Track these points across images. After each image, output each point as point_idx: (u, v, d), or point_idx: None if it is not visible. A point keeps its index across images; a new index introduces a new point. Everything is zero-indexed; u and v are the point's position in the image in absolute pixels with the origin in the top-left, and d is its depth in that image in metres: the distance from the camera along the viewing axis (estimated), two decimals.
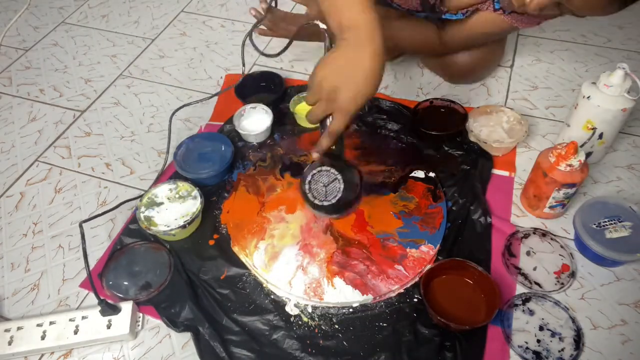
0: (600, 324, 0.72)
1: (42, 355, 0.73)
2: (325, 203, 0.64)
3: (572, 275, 0.77)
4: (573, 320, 0.72)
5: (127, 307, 0.73)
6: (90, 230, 0.87)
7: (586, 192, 0.88)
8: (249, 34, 0.92)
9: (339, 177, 0.64)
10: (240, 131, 0.98)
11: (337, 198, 0.64)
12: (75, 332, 0.71)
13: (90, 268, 0.81)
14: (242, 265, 0.80)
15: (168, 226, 0.81)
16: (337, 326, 0.73)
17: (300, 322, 0.74)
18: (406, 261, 0.78)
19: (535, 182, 0.81)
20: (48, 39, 1.33)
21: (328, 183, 0.64)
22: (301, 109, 1.03)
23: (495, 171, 0.91)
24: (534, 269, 0.78)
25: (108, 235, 0.86)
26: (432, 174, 0.90)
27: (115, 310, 0.73)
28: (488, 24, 0.94)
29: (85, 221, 0.80)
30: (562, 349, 0.69)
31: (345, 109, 0.62)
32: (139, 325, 0.74)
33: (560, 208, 0.82)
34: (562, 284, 0.76)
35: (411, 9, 0.94)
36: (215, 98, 1.08)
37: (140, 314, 0.75)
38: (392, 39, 0.98)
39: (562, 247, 0.80)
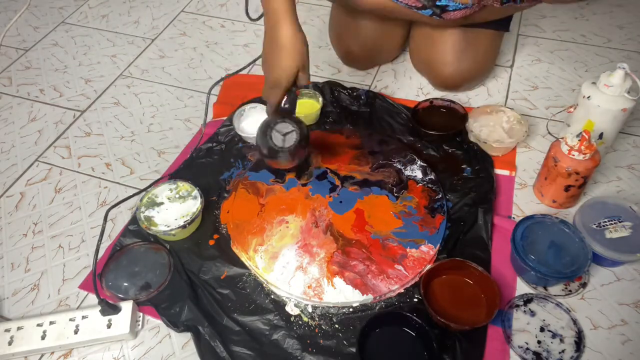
0: (600, 324, 0.72)
1: (42, 355, 0.73)
2: (285, 147, 0.75)
3: (583, 285, 0.76)
4: (574, 322, 0.72)
5: (127, 306, 0.73)
6: (90, 230, 0.87)
7: (586, 192, 0.88)
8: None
9: (296, 128, 0.75)
10: (240, 133, 0.98)
11: (293, 144, 0.75)
12: (76, 332, 0.71)
13: (91, 268, 0.81)
14: (242, 265, 0.80)
15: (168, 226, 0.81)
16: (337, 326, 0.73)
17: (300, 322, 0.74)
18: (406, 261, 0.78)
19: (548, 169, 0.82)
20: (48, 39, 1.33)
21: (286, 133, 0.75)
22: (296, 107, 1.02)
23: (496, 170, 0.92)
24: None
25: (108, 236, 0.86)
26: (432, 175, 0.90)
27: (115, 310, 0.73)
28: (494, 13, 0.95)
29: (111, 207, 0.84)
30: (563, 351, 0.69)
31: (274, 83, 0.74)
32: (139, 325, 0.74)
33: (573, 199, 0.84)
34: (570, 291, 0.76)
35: (411, 5, 0.94)
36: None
37: (140, 314, 0.75)
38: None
39: None
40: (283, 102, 0.77)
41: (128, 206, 0.90)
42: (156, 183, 0.90)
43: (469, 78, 1.05)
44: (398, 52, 1.17)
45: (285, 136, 0.75)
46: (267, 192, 0.89)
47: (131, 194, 0.88)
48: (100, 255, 0.83)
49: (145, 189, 0.87)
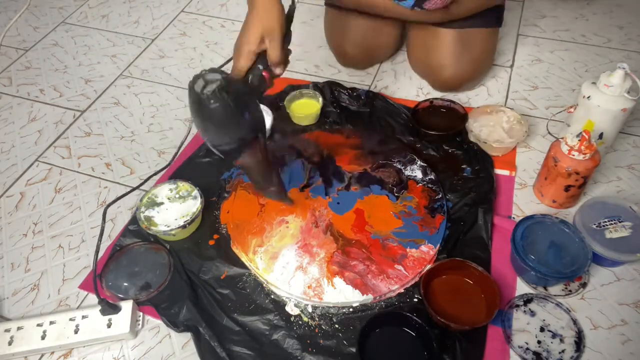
0: (600, 324, 0.72)
1: (42, 355, 0.73)
2: (204, 93, 0.59)
3: (583, 285, 0.76)
4: (575, 322, 0.72)
5: (127, 306, 0.73)
6: (90, 230, 0.87)
7: (586, 192, 0.88)
8: None
9: (222, 77, 0.61)
10: None
11: (214, 90, 0.60)
12: (76, 332, 0.71)
13: (91, 268, 0.81)
14: (242, 265, 0.80)
15: (168, 226, 0.81)
16: (337, 326, 0.73)
17: (300, 322, 0.74)
18: (406, 261, 0.78)
19: (548, 169, 0.82)
20: (48, 39, 1.33)
21: (210, 81, 0.60)
22: (296, 107, 1.03)
23: (496, 170, 0.91)
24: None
25: (108, 236, 0.86)
26: (432, 175, 0.90)
27: (115, 309, 0.73)
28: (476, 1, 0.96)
29: (109, 205, 0.80)
30: (563, 351, 0.69)
31: (236, 47, 0.69)
32: (139, 324, 0.74)
33: (573, 199, 0.84)
34: (570, 291, 0.76)
35: None
36: None
37: (140, 313, 0.76)
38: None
39: None
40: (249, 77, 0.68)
41: (128, 206, 0.90)
42: (158, 178, 0.91)
43: (468, 79, 1.05)
44: (393, 51, 1.17)
45: (208, 84, 0.60)
46: None
47: (131, 191, 0.88)
48: (100, 255, 0.83)
49: (143, 183, 0.86)
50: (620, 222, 0.76)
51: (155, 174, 0.89)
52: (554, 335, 0.71)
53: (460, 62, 1.01)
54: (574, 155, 0.77)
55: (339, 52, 1.14)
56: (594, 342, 0.70)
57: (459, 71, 1.02)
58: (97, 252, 0.76)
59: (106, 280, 0.78)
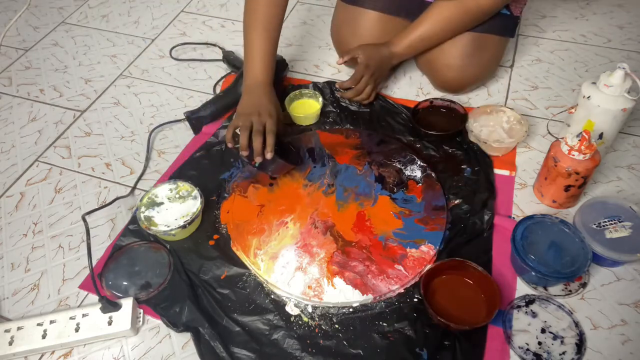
0: (600, 324, 0.72)
1: (43, 354, 0.73)
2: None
3: (583, 285, 0.76)
4: (576, 324, 0.72)
5: (127, 302, 0.73)
6: (90, 230, 0.87)
7: (586, 192, 0.88)
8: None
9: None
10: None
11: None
12: (77, 330, 0.71)
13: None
14: (242, 265, 0.80)
15: (168, 226, 0.81)
16: (337, 326, 0.73)
17: (300, 322, 0.74)
18: (406, 261, 0.78)
19: (548, 169, 0.82)
20: (48, 39, 1.33)
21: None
22: (296, 107, 1.03)
23: (496, 170, 0.91)
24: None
25: (108, 236, 0.86)
26: (432, 175, 0.90)
27: (115, 307, 0.73)
28: None
29: (87, 214, 0.81)
30: (564, 353, 0.69)
31: (267, 125, 0.84)
32: (139, 321, 0.74)
33: (573, 199, 0.84)
34: (570, 291, 0.76)
35: None
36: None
37: (141, 310, 0.75)
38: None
39: None
40: None
41: (128, 206, 0.90)
42: (156, 183, 0.91)
43: (472, 83, 1.05)
44: None
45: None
46: (259, 189, 0.89)
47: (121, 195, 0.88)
48: (100, 254, 0.83)
49: (116, 199, 0.87)
50: (620, 222, 0.76)
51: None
52: (555, 337, 0.71)
53: (468, 64, 1.01)
54: (574, 155, 0.77)
55: (342, 52, 1.13)
56: (594, 342, 0.70)
57: (465, 74, 1.02)
58: (89, 253, 0.76)
59: (106, 279, 0.78)
